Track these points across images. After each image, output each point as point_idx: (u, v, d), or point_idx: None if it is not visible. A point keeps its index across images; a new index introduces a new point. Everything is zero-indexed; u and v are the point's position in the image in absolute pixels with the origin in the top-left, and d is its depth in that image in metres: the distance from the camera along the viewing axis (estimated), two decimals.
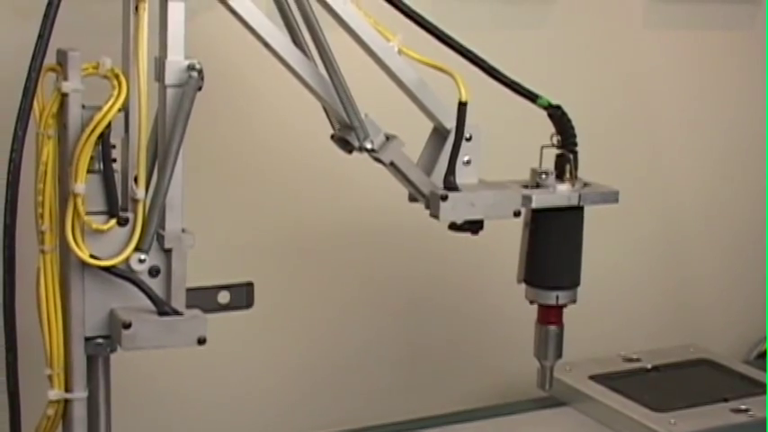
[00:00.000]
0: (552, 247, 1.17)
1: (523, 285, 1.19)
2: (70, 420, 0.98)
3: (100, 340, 0.97)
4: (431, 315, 1.50)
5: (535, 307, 1.20)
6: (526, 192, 1.13)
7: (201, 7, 0.99)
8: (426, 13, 1.09)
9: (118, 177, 0.96)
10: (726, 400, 1.34)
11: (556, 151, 1.16)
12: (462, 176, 1.09)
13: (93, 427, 1.00)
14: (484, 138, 1.10)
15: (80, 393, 0.98)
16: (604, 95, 1.57)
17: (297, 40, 1.04)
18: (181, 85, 0.94)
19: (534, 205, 1.13)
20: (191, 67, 0.94)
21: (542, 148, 1.15)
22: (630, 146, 1.61)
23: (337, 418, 1.44)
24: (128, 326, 0.93)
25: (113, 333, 0.96)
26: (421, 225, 1.14)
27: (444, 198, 1.07)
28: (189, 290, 0.99)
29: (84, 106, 0.94)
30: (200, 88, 0.94)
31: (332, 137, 1.08)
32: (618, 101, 1.59)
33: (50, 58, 0.93)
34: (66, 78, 0.93)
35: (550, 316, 1.19)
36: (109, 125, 0.93)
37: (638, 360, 1.45)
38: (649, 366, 1.44)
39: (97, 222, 0.94)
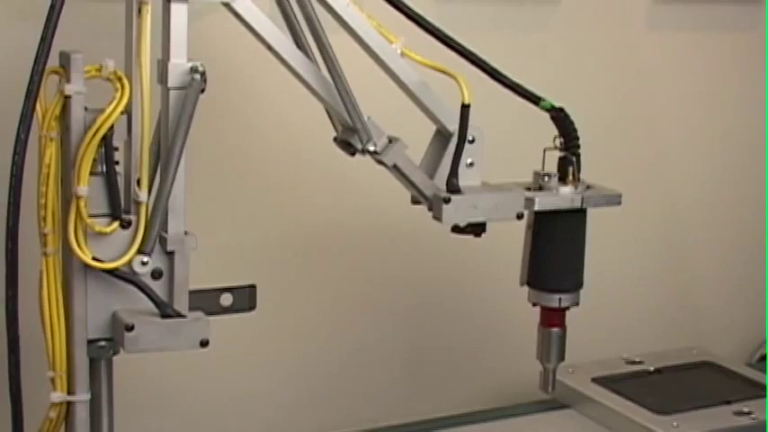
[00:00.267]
0: (555, 250, 1.17)
1: (526, 288, 1.19)
2: (73, 423, 0.98)
3: (102, 343, 0.97)
4: (433, 317, 1.50)
5: (538, 309, 1.20)
6: (529, 194, 1.13)
7: (204, 10, 0.99)
8: (429, 16, 1.09)
9: (120, 180, 0.96)
10: (728, 402, 1.33)
11: (558, 153, 1.15)
12: (465, 179, 1.09)
13: (96, 429, 1.00)
14: (487, 140, 1.10)
15: (83, 396, 0.98)
16: (607, 97, 1.57)
17: (299, 43, 1.04)
18: (184, 87, 0.94)
19: (537, 208, 1.13)
20: (193, 70, 0.94)
21: (545, 150, 1.15)
22: (633, 148, 1.61)
23: (340, 421, 1.44)
24: (130, 328, 0.93)
25: (116, 335, 0.96)
26: (424, 227, 1.14)
27: (447, 200, 1.07)
28: (191, 292, 0.99)
29: (86, 109, 0.94)
30: (202, 91, 0.94)
31: (334, 139, 1.08)
32: (620, 103, 1.59)
33: (53, 61, 0.93)
34: (68, 81, 0.93)
35: (553, 318, 1.19)
36: (111, 127, 0.93)
37: (640, 362, 1.45)
38: (652, 369, 1.44)
39: (100, 225, 0.94)
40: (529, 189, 1.15)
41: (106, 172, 0.94)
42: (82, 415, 0.98)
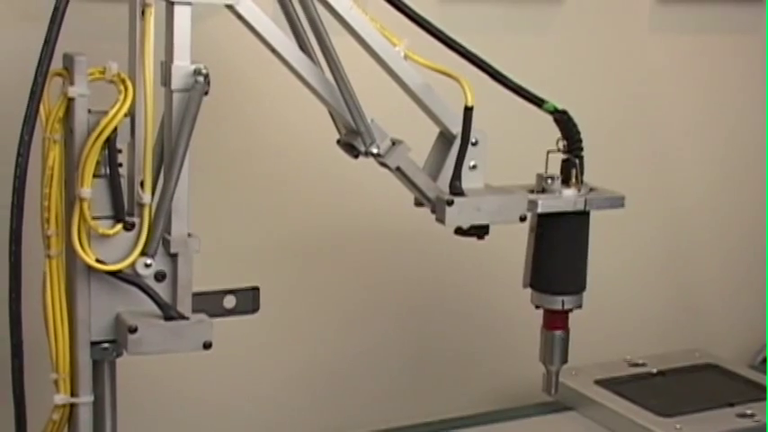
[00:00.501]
0: (558, 252, 1.17)
1: (529, 290, 1.19)
2: (76, 425, 0.98)
3: (106, 345, 0.97)
4: (436, 319, 1.50)
5: (541, 312, 1.20)
6: (532, 196, 1.13)
7: (208, 12, 0.99)
8: (432, 18, 1.09)
9: (124, 182, 0.96)
10: (731, 405, 1.34)
11: (562, 156, 1.15)
12: (468, 181, 1.09)
13: (99, 431, 1.00)
14: (490, 142, 1.10)
15: (86, 398, 0.98)
16: (610, 100, 1.57)
17: (303, 45, 1.04)
18: (187, 89, 0.94)
19: (540, 210, 1.13)
20: (197, 72, 0.94)
21: (548, 152, 1.15)
22: (636, 150, 1.61)
23: (343, 422, 1.44)
24: (134, 330, 0.93)
25: (119, 337, 0.96)
26: (427, 230, 1.14)
27: (450, 203, 1.07)
28: (195, 294, 0.99)
29: (90, 111, 0.94)
30: (206, 93, 0.94)
31: (338, 142, 1.08)
32: (623, 105, 1.59)
33: (57, 63, 0.93)
34: (72, 83, 0.93)
35: (556, 321, 1.19)
36: (115, 130, 0.93)
37: (643, 365, 1.45)
38: (655, 371, 1.44)
39: (103, 227, 0.94)
40: (532, 191, 1.14)
41: (109, 174, 0.94)
42: (85, 417, 0.98)
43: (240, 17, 0.98)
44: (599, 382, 1.38)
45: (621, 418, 1.30)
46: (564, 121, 1.14)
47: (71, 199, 0.94)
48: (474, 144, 1.09)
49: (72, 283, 0.96)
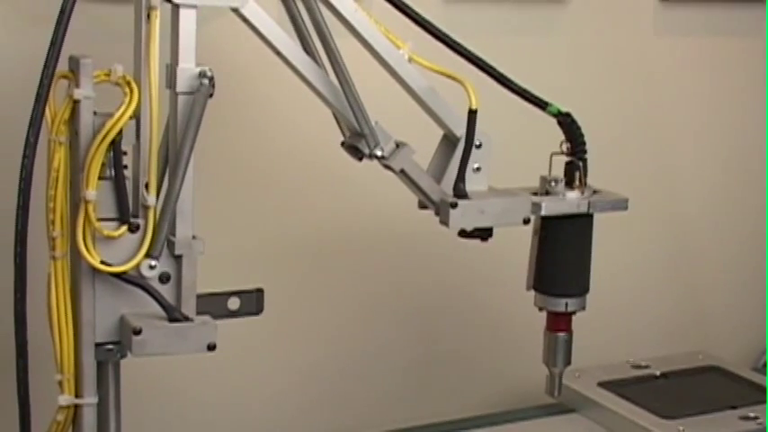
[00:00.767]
0: (561, 255, 1.17)
1: (533, 292, 1.19)
2: (80, 426, 0.99)
3: (110, 346, 0.98)
4: (440, 321, 1.50)
5: (544, 314, 1.20)
6: (536, 199, 1.13)
7: (213, 15, 0.99)
8: (436, 20, 1.09)
9: (129, 184, 0.96)
10: (734, 407, 1.34)
11: (565, 159, 1.16)
12: (472, 184, 1.09)
13: None
14: (494, 145, 1.10)
15: (90, 399, 0.98)
16: (614, 102, 1.57)
17: (307, 48, 1.05)
18: (192, 92, 0.94)
19: (544, 212, 1.13)
20: (202, 75, 0.95)
21: (552, 155, 1.15)
22: (639, 153, 1.61)
23: (346, 424, 1.44)
24: (138, 332, 0.94)
25: (124, 339, 0.97)
26: (430, 232, 1.14)
27: (454, 205, 1.07)
28: (199, 296, 0.99)
29: (95, 113, 0.94)
30: (211, 95, 0.95)
31: (342, 144, 1.09)
32: (627, 108, 1.59)
33: (62, 65, 0.94)
34: (77, 85, 0.93)
35: (559, 323, 1.19)
36: (120, 132, 0.93)
37: (646, 367, 1.45)
38: (658, 373, 1.44)
39: (108, 229, 0.95)
40: (535, 194, 1.15)
41: (115, 176, 0.95)
42: (89, 418, 0.98)
43: (245, 20, 0.98)
44: (602, 384, 1.38)
45: (624, 420, 1.31)
46: (567, 124, 1.14)
47: (76, 201, 0.95)
48: (478, 147, 1.09)
49: (77, 285, 0.96)
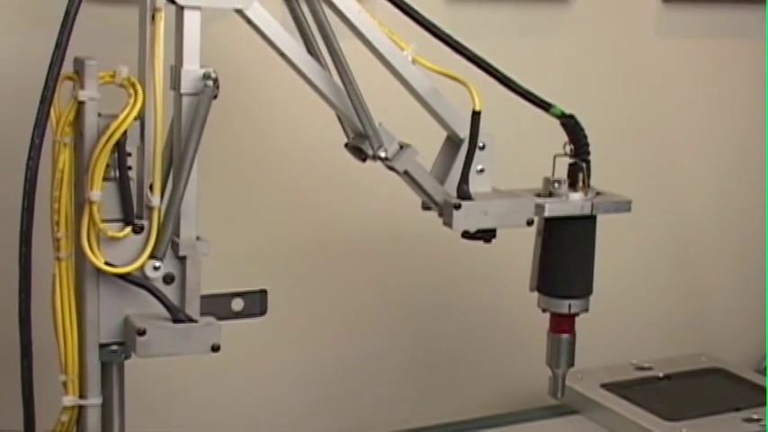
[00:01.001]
0: (565, 256, 1.17)
1: (536, 294, 1.19)
2: (84, 426, 0.99)
3: (114, 347, 0.98)
4: (443, 323, 1.50)
5: (547, 315, 1.20)
6: (539, 200, 1.13)
7: (217, 16, 1.00)
8: (439, 22, 1.09)
9: (133, 185, 0.96)
10: (737, 409, 1.34)
11: (569, 160, 1.16)
12: (475, 185, 1.09)
13: None
14: (497, 146, 1.10)
15: (94, 399, 0.98)
16: (617, 104, 1.57)
17: (311, 49, 1.05)
18: (196, 93, 0.95)
19: (547, 214, 1.13)
20: (206, 76, 0.95)
21: (555, 156, 1.15)
22: (643, 155, 1.61)
23: (349, 425, 1.44)
24: (142, 333, 0.94)
25: (128, 340, 0.97)
26: (434, 233, 1.14)
27: (458, 207, 1.07)
28: (203, 297, 0.99)
29: (100, 114, 0.94)
30: (215, 97, 0.95)
31: (346, 145, 1.09)
32: (630, 109, 1.59)
33: (67, 67, 0.94)
34: (82, 87, 0.94)
35: (563, 324, 1.19)
36: (125, 133, 0.94)
37: (649, 368, 1.45)
38: (661, 375, 1.44)
39: (112, 230, 0.95)
40: (539, 195, 1.15)
41: (119, 177, 0.95)
42: (93, 419, 0.99)
43: (249, 21, 0.98)
44: (605, 386, 1.38)
45: (627, 421, 1.31)
46: (571, 126, 1.14)
47: (81, 202, 0.95)
48: (481, 148, 1.09)
49: (81, 286, 0.97)
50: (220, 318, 0.99)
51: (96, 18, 1.03)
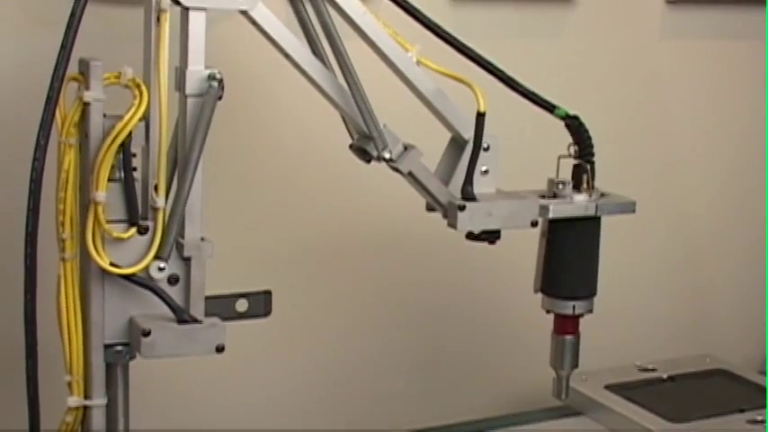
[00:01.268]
0: (569, 257, 1.17)
1: (540, 295, 1.19)
2: (89, 427, 0.99)
3: (119, 348, 0.98)
4: (447, 324, 1.50)
5: (551, 316, 1.20)
6: (543, 202, 1.13)
7: (222, 17, 1.00)
8: (444, 23, 1.09)
9: (138, 186, 0.96)
10: (742, 410, 1.34)
11: (573, 161, 1.16)
12: (480, 186, 1.09)
13: None
14: (501, 148, 1.10)
15: (99, 400, 0.98)
16: (621, 105, 1.57)
17: (316, 51, 1.05)
18: (201, 94, 0.95)
19: (551, 215, 1.13)
20: (211, 77, 0.95)
21: (559, 158, 1.15)
22: (646, 155, 1.61)
23: (353, 425, 1.44)
24: (147, 334, 0.94)
25: (133, 341, 0.97)
26: (438, 234, 1.14)
27: (462, 208, 1.07)
28: (207, 298, 0.99)
29: (105, 115, 0.94)
30: (220, 98, 0.95)
31: (350, 146, 1.09)
32: (634, 110, 1.59)
33: (73, 68, 0.94)
34: (87, 88, 0.94)
35: (567, 326, 1.19)
36: (130, 134, 0.94)
37: (653, 370, 1.45)
38: (665, 376, 1.44)
39: (117, 230, 0.95)
40: (543, 197, 1.15)
41: (124, 178, 0.95)
42: (98, 419, 0.99)
43: (254, 22, 0.98)
44: (609, 387, 1.38)
45: (631, 423, 1.31)
46: (575, 127, 1.14)
47: (86, 202, 0.95)
48: (486, 149, 1.09)
49: (86, 286, 0.97)
50: (225, 318, 0.99)
51: (101, 19, 1.03)
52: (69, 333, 0.97)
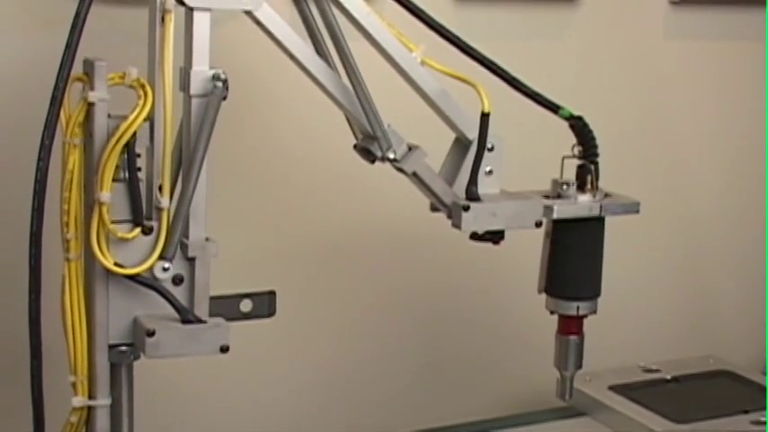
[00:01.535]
0: (573, 258, 1.17)
1: (544, 295, 1.19)
2: (93, 427, 0.99)
3: (123, 348, 0.98)
4: (451, 324, 1.50)
5: (555, 317, 1.20)
6: (547, 202, 1.13)
7: (226, 17, 1.00)
8: (448, 24, 1.09)
9: (143, 186, 0.96)
10: (746, 411, 1.33)
11: (577, 162, 1.16)
12: (484, 187, 1.09)
13: None
14: (506, 148, 1.10)
15: (103, 400, 0.98)
16: (624, 105, 1.57)
17: (320, 51, 1.05)
18: (206, 94, 0.95)
19: (555, 216, 1.13)
20: (216, 77, 0.95)
21: (564, 158, 1.15)
22: (650, 156, 1.61)
23: (355, 426, 1.44)
24: (151, 334, 0.94)
25: (137, 341, 0.97)
26: (442, 234, 1.14)
27: (466, 208, 1.07)
28: (212, 298, 0.99)
29: (109, 115, 0.94)
30: (224, 98, 0.95)
31: (354, 147, 1.09)
32: (638, 111, 1.59)
33: (77, 68, 0.94)
34: (92, 88, 0.94)
35: (571, 326, 1.19)
36: (134, 134, 0.94)
37: (657, 371, 1.45)
38: (669, 377, 1.44)
39: (122, 231, 0.95)
40: (547, 197, 1.15)
41: (128, 178, 0.95)
42: (102, 420, 0.99)
43: (258, 23, 0.98)
44: (613, 388, 1.38)
45: (635, 423, 1.31)
46: (579, 127, 1.14)
47: (90, 203, 0.95)
48: (490, 150, 1.09)
49: (90, 287, 0.97)
50: (229, 319, 0.99)
51: (106, 19, 1.03)
52: (74, 333, 0.97)
